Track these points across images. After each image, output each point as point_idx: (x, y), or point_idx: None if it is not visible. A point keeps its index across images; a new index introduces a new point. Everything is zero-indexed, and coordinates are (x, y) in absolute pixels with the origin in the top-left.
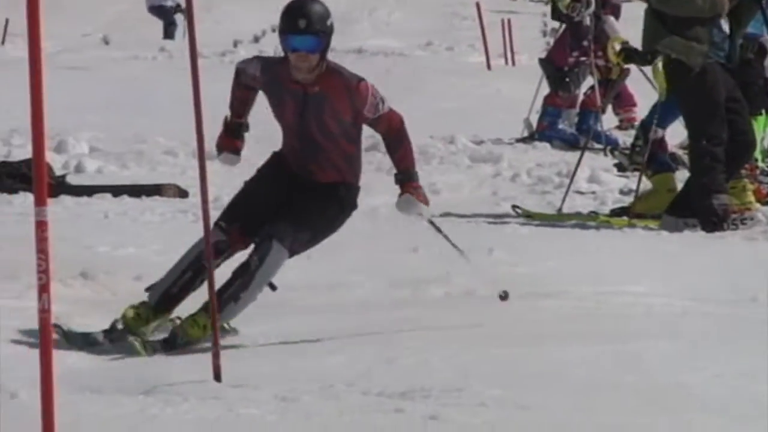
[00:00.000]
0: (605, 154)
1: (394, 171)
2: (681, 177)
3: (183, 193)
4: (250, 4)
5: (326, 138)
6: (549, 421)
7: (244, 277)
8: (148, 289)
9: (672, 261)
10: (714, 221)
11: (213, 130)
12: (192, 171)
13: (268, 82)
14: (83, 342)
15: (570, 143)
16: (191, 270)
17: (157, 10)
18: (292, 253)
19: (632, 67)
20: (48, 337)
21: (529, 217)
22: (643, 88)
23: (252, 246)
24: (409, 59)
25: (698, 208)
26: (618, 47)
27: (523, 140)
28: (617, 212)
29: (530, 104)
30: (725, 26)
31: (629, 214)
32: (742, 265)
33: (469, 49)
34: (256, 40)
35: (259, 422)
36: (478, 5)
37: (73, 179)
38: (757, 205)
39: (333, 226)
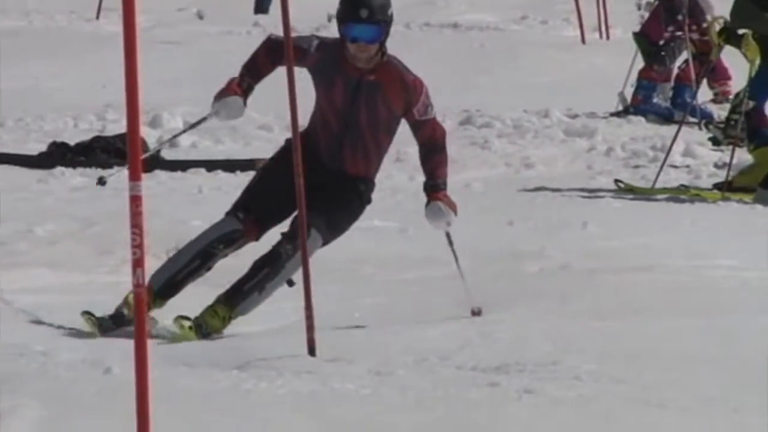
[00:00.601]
0: (700, 128)
1: (425, 179)
2: None
3: None
4: None
5: (371, 127)
6: (644, 396)
7: (273, 266)
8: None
9: (767, 235)
10: None
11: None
12: None
13: (321, 60)
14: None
15: (664, 117)
16: (200, 258)
17: None
18: (325, 242)
19: None
20: (142, 312)
21: (631, 191)
22: (739, 62)
23: (272, 236)
24: (504, 33)
25: None
26: (719, 27)
27: (617, 114)
28: (719, 187)
29: (625, 78)
30: None
31: (730, 187)
32: None
33: (564, 23)
34: None
35: (354, 396)
36: None
37: (167, 154)
38: None
39: (354, 220)
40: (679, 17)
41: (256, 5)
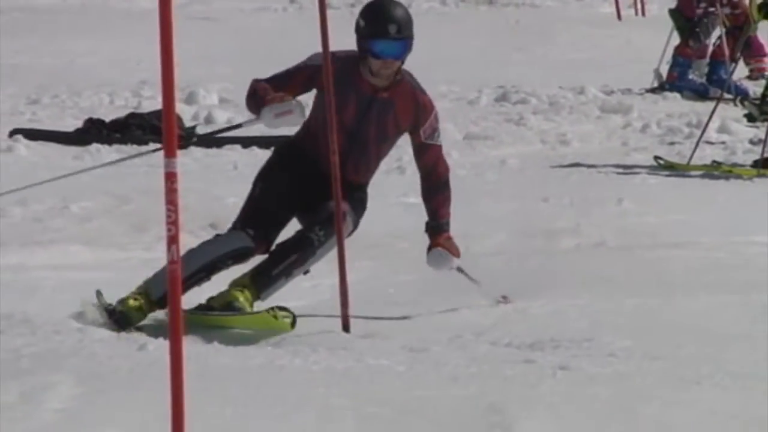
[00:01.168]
0: (735, 104)
1: (427, 218)
2: None
3: None
4: None
5: (377, 143)
6: (679, 372)
7: (303, 252)
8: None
9: None
10: None
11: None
12: None
13: (338, 71)
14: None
15: (700, 93)
16: (205, 271)
17: None
18: (354, 230)
19: None
20: (177, 289)
21: (670, 168)
22: None
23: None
24: (539, 9)
25: None
26: (758, 2)
27: (653, 90)
28: (759, 164)
29: (660, 55)
30: None
31: (766, 164)
32: None
33: None
34: None
35: (388, 372)
36: None
37: (203, 130)
38: None
39: (361, 217)
40: None
41: None
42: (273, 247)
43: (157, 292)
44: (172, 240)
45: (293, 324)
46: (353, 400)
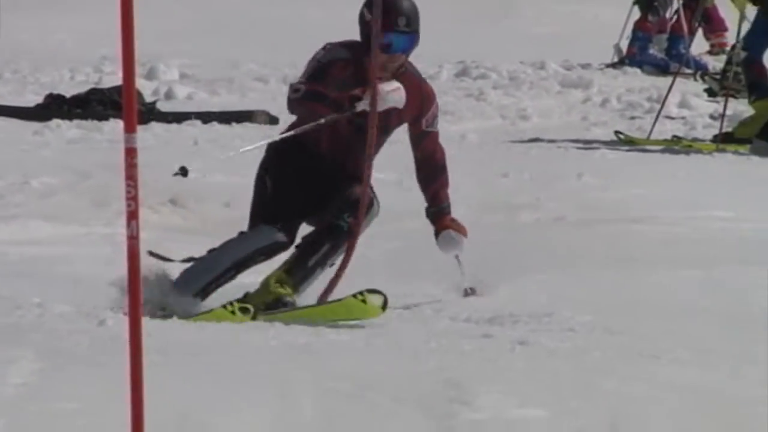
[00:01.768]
0: (695, 79)
1: (427, 204)
2: None
3: (273, 120)
4: None
5: (381, 134)
6: (638, 347)
7: (335, 240)
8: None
9: (763, 186)
10: None
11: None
12: (282, 98)
13: (341, 81)
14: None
15: (660, 68)
16: (235, 269)
17: None
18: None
19: None
20: (136, 264)
21: (630, 142)
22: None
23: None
24: None
25: None
26: None
27: (613, 65)
28: (719, 139)
29: (621, 29)
30: None
31: (726, 138)
32: None
33: None
34: None
35: (348, 348)
36: None
37: (163, 106)
38: None
39: None
40: None
41: None
42: (299, 241)
43: (195, 289)
44: (132, 215)
45: (384, 306)
46: (313, 374)
